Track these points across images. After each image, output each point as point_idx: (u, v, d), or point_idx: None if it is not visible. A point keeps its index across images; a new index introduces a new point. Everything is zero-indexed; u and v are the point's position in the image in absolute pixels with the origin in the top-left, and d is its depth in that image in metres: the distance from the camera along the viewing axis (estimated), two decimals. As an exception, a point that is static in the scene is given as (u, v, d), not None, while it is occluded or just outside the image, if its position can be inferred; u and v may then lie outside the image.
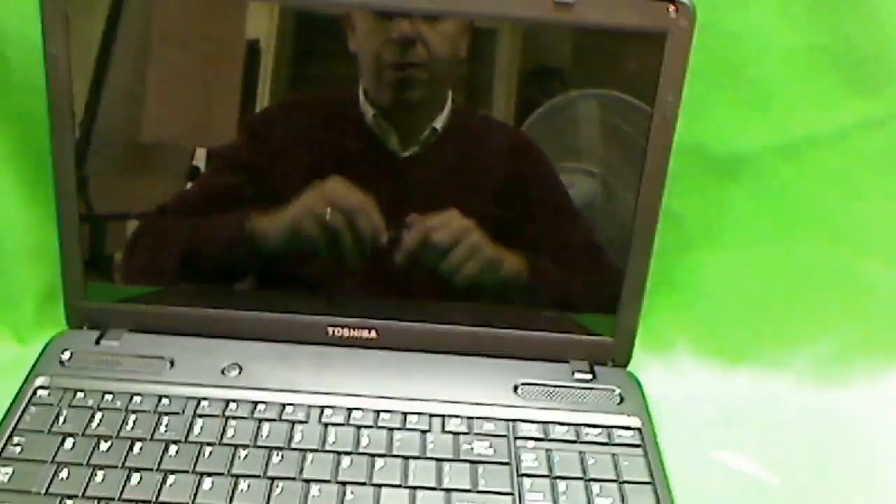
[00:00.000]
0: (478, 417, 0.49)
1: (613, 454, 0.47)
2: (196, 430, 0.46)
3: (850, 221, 0.60)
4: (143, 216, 0.53)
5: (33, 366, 0.50)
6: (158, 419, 0.47)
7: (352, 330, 0.53)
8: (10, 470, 0.43)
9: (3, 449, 0.44)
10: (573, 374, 0.53)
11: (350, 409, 0.48)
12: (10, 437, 0.45)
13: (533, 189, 0.52)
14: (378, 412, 0.48)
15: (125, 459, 0.44)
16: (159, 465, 0.44)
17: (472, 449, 0.46)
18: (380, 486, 0.44)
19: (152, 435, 0.46)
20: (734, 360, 0.60)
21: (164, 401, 0.48)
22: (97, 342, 0.52)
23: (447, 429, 0.48)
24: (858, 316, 0.60)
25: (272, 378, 0.50)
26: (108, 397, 0.48)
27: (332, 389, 0.50)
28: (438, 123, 0.50)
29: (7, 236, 0.57)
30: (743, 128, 0.57)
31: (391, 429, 0.47)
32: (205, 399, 0.48)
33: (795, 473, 0.51)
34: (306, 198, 0.51)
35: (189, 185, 0.52)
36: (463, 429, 0.48)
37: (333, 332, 0.53)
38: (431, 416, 0.48)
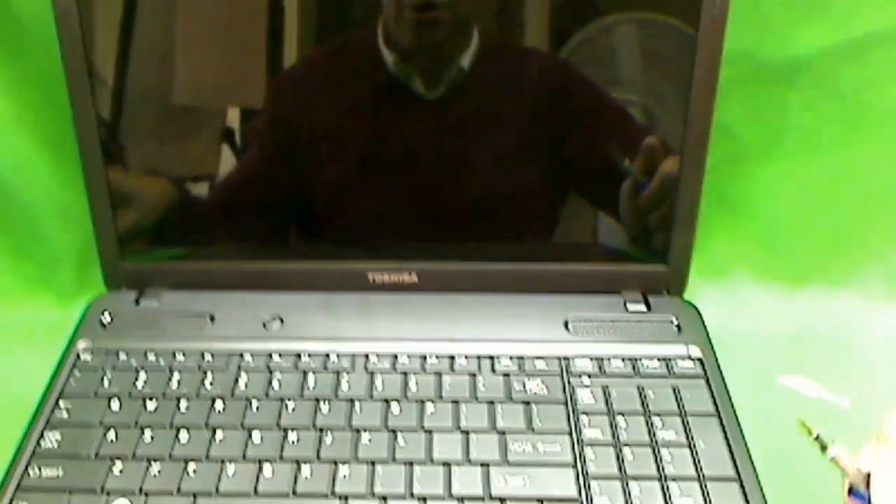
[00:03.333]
0: (529, 356, 0.47)
1: (674, 386, 0.45)
2: (241, 384, 0.45)
3: None
4: (181, 180, 0.51)
5: (75, 330, 0.49)
6: (203, 376, 0.46)
7: (392, 274, 0.51)
8: (58, 435, 0.43)
9: (50, 414, 0.44)
10: (626, 305, 0.50)
11: (396, 355, 0.47)
12: (57, 402, 0.44)
13: (575, 107, 0.49)
14: (424, 357, 0.47)
15: (173, 418, 0.43)
16: (207, 421, 0.43)
17: (524, 388, 0.45)
18: (431, 431, 0.42)
19: (198, 392, 0.45)
20: (797, 282, 0.57)
21: (208, 357, 0.47)
22: (136, 302, 0.51)
23: (497, 370, 0.46)
24: None
25: (314, 328, 0.49)
26: (151, 357, 0.47)
27: (377, 336, 0.48)
28: (465, 62, 0.47)
29: (38, 200, 0.56)
30: (799, 29, 0.52)
31: (439, 373, 0.46)
32: (248, 353, 0.47)
33: (868, 396, 0.48)
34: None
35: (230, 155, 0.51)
36: (514, 368, 0.46)
37: (374, 277, 0.52)
38: (480, 357, 0.47)
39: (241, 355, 0.47)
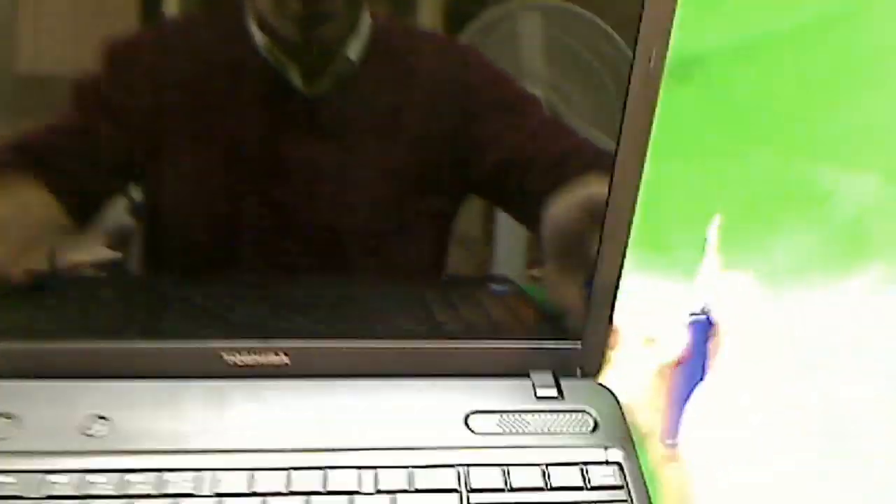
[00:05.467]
0: (421, 466, 0.38)
1: (591, 503, 0.38)
2: (45, 518, 0.35)
3: (807, 126, 0.56)
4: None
5: None
6: (-7, 506, 0.35)
7: (254, 355, 0.42)
8: None
9: None
10: (535, 391, 0.43)
11: (253, 471, 0.37)
12: None
13: (492, 118, 0.40)
14: (290, 470, 0.37)
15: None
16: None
17: (414, 513, 0.36)
18: (296, 581, 0.33)
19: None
20: (685, 274, 0.52)
21: (5, 479, 0.36)
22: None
23: (382, 486, 0.37)
24: (814, 224, 0.57)
25: (149, 433, 0.39)
26: (-76, 478, 0.36)
27: (230, 444, 0.38)
28: (353, 52, 0.37)
29: None
30: (694, 27, 0.49)
31: (308, 493, 0.37)
32: (56, 473, 0.36)
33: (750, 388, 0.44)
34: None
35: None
36: (402, 484, 0.38)
37: (232, 360, 0.42)
38: (361, 470, 0.38)
39: (49, 475, 0.36)
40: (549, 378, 0.44)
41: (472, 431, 0.41)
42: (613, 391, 0.44)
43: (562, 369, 0.44)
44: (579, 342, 0.44)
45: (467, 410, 0.41)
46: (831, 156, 0.57)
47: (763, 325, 0.39)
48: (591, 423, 0.42)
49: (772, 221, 0.57)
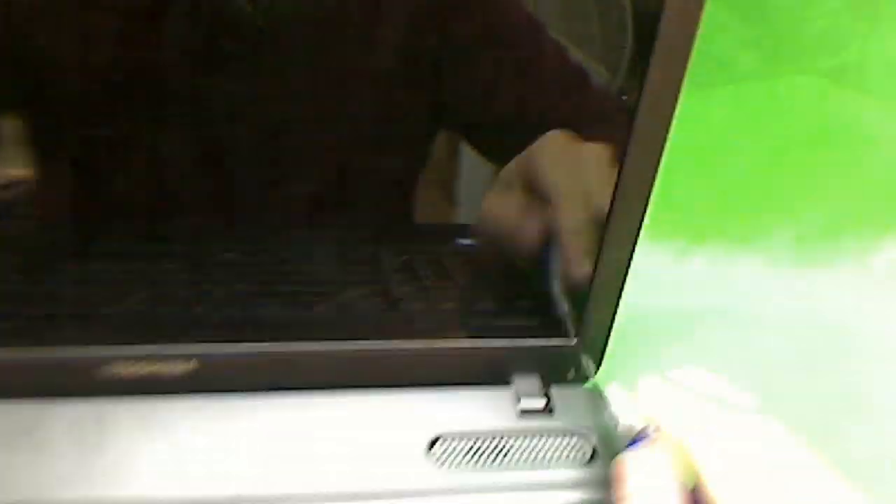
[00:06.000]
0: (370, 517, 0.29)
1: (590, 563, 0.29)
2: None
3: (854, 52, 0.47)
4: None
5: None
6: None
7: (148, 364, 0.31)
8: None
9: None
10: (519, 402, 0.34)
11: (140, 536, 0.28)
12: None
13: (475, 47, 0.30)
14: (193, 532, 0.28)
15: None
16: None
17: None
18: None
19: None
20: (694, 240, 0.45)
21: None
22: None
23: (316, 549, 0.28)
24: (852, 176, 0.48)
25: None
26: None
27: (110, 492, 0.28)
28: None
29: None
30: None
31: (216, 567, 0.27)
32: None
33: (774, 383, 0.36)
34: None
35: None
36: (343, 547, 0.28)
37: (112, 370, 0.31)
38: (289, 525, 0.29)
39: None
40: (536, 384, 0.34)
41: (437, 463, 0.31)
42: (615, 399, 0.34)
43: (551, 373, 0.35)
44: (575, 338, 0.34)
45: (430, 435, 0.32)
46: (877, 89, 0.47)
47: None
48: (589, 450, 0.33)
49: (802, 172, 0.47)
